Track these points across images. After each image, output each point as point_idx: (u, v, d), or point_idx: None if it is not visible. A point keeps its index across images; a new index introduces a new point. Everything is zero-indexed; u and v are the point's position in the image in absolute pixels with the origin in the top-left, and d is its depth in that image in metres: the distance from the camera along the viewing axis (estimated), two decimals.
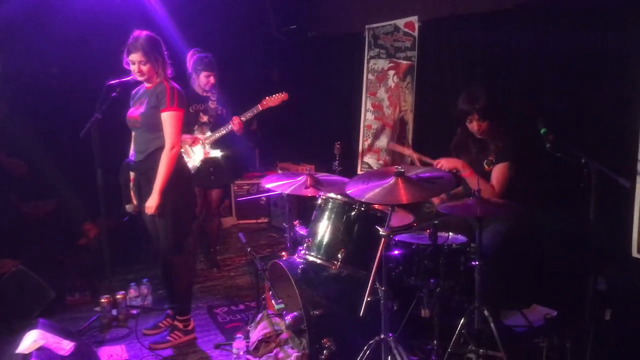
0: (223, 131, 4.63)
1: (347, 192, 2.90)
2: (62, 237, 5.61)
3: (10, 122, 5.52)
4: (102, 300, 4.02)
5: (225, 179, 4.99)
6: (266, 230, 6.44)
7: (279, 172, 6.41)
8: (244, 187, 6.61)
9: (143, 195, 3.54)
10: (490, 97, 3.45)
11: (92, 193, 4.23)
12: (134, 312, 4.21)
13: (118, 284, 4.45)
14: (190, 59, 4.72)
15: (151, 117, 3.42)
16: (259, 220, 6.63)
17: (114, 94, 4.07)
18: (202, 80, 4.63)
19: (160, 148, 3.42)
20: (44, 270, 4.40)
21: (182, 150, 4.75)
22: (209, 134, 4.67)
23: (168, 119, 3.38)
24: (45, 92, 5.71)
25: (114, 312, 4.08)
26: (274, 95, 4.67)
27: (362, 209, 3.05)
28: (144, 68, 3.45)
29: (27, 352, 2.81)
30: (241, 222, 6.65)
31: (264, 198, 6.42)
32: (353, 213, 3.05)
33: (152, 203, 3.40)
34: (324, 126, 6.62)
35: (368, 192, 2.80)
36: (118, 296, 4.11)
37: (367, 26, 5.59)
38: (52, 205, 6.28)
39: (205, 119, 4.68)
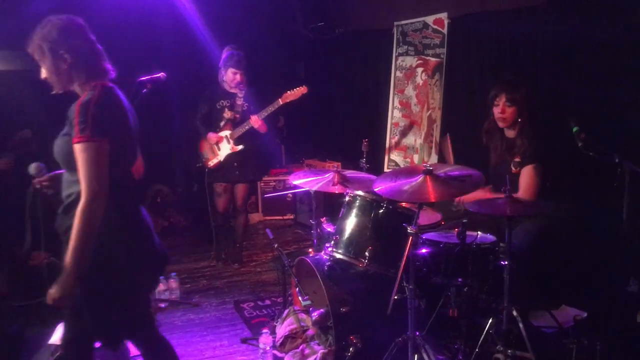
0: (246, 127, 4.71)
1: (375, 189, 2.89)
2: None
3: (37, 121, 5.65)
4: None
5: (250, 174, 5.04)
6: (292, 226, 6.47)
7: (306, 168, 6.44)
8: (270, 184, 6.66)
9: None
10: (523, 87, 3.44)
11: None
12: (162, 305, 4.27)
13: None
14: (224, 54, 4.82)
15: (63, 150, 2.18)
16: (285, 217, 6.66)
17: (144, 90, 4.13)
18: (229, 77, 4.72)
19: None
20: None
21: (207, 151, 4.82)
22: (232, 129, 4.77)
23: (80, 155, 2.07)
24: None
25: None
26: (294, 89, 4.69)
27: (390, 206, 3.05)
28: (43, 70, 2.25)
29: (59, 343, 2.87)
30: (267, 218, 6.70)
31: (290, 194, 6.44)
32: (381, 211, 3.05)
33: (56, 293, 2.11)
34: (351, 123, 6.62)
35: (396, 189, 2.79)
36: None
37: (395, 23, 5.56)
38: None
39: (230, 114, 4.77)
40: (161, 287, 4.36)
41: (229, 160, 4.78)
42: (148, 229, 2.35)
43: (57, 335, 2.94)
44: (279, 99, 4.68)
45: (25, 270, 4.58)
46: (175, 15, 6.11)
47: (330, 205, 5.37)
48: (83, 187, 2.06)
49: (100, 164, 2.08)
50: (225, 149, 4.78)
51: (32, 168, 2.50)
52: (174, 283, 4.45)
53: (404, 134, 5.54)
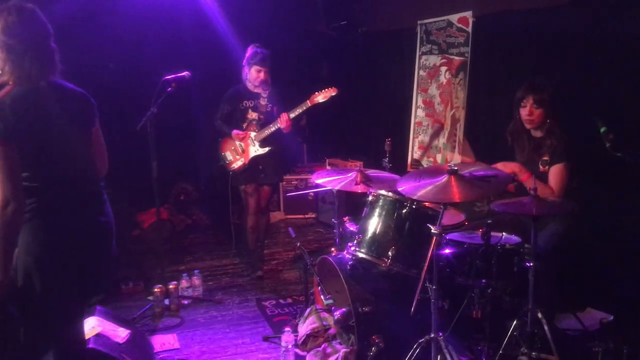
0: (272, 128, 4.57)
1: (399, 189, 2.88)
2: (117, 227, 5.79)
3: None
4: (155, 290, 4.13)
5: (274, 177, 4.93)
6: (314, 225, 6.48)
7: (328, 167, 6.43)
8: (292, 182, 6.67)
9: None
10: (551, 87, 3.40)
11: (146, 185, 4.34)
12: (186, 302, 4.31)
13: (170, 275, 4.56)
14: (248, 52, 4.70)
15: None
16: (307, 216, 6.67)
17: (169, 89, 4.18)
18: (253, 74, 4.59)
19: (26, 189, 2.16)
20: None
21: (229, 153, 4.74)
22: (257, 131, 4.66)
23: None
24: (102, 88, 5.87)
25: (167, 301, 4.18)
26: (322, 91, 4.53)
27: (414, 206, 3.03)
28: None
29: (85, 337, 2.91)
30: (289, 216, 6.72)
31: (311, 193, 6.45)
32: (404, 210, 3.04)
33: None
34: (373, 122, 6.60)
35: (420, 189, 2.77)
36: (170, 286, 4.21)
37: (419, 22, 5.52)
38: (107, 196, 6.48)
39: (254, 115, 4.66)
40: (184, 283, 4.40)
41: (254, 163, 4.67)
42: (74, 234, 2.26)
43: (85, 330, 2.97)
44: (307, 101, 4.52)
45: None
46: (199, 14, 6.15)
47: (352, 205, 5.36)
48: None
49: (6, 167, 2.04)
50: (250, 151, 4.65)
51: None
52: (196, 280, 4.48)
53: (427, 133, 5.51)
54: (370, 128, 6.64)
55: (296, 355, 3.38)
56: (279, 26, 6.54)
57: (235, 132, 4.65)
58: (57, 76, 2.32)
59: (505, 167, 3.34)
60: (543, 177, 3.34)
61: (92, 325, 3.02)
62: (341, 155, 6.62)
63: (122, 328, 3.16)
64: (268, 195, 4.92)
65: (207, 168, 6.97)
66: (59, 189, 2.24)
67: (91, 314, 3.19)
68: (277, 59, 4.95)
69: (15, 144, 2.08)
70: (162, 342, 3.69)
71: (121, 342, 3.03)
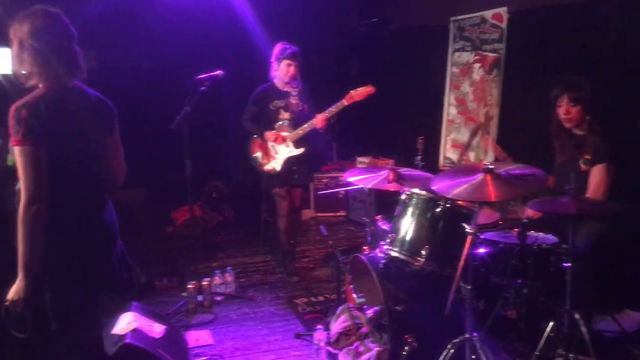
0: (307, 128, 4.46)
1: (433, 187, 2.86)
2: (150, 224, 5.90)
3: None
4: (189, 286, 4.18)
5: (307, 178, 4.88)
6: (344, 223, 6.47)
7: (358, 165, 6.42)
8: (323, 180, 6.67)
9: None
10: (588, 85, 3.34)
11: (179, 183, 4.39)
12: (218, 299, 4.35)
13: (203, 271, 4.61)
14: (276, 49, 4.57)
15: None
16: (337, 214, 6.67)
17: (203, 87, 4.22)
18: (283, 70, 4.46)
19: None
20: (134, 256, 4.61)
21: (261, 154, 4.68)
22: (290, 131, 4.55)
23: (17, 158, 2.14)
24: (137, 86, 5.98)
25: (200, 298, 4.23)
26: (359, 89, 4.37)
27: (448, 205, 3.00)
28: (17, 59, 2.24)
29: (122, 333, 2.97)
30: (319, 214, 6.72)
31: (342, 191, 6.44)
32: (438, 209, 3.01)
33: (16, 290, 2.16)
34: (404, 120, 6.55)
35: (454, 188, 2.74)
36: (204, 283, 4.26)
37: (451, 18, 5.48)
38: (140, 194, 6.59)
39: (286, 115, 4.54)
40: (217, 280, 4.45)
41: (288, 165, 4.57)
42: (79, 235, 2.30)
43: (120, 325, 3.03)
44: (343, 100, 4.36)
45: None
46: (231, 13, 6.20)
47: (383, 203, 5.32)
48: (22, 189, 2.11)
49: (35, 167, 2.10)
50: (283, 153, 4.55)
51: None
52: (229, 277, 4.53)
53: (459, 131, 5.46)
54: (400, 126, 6.60)
55: (328, 353, 3.39)
56: (309, 24, 6.54)
57: (268, 133, 4.55)
58: (81, 80, 2.36)
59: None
60: (584, 177, 3.28)
61: (128, 321, 3.08)
62: (372, 154, 6.59)
63: (157, 323, 3.21)
64: (301, 196, 4.84)
65: (238, 166, 7.03)
66: (69, 190, 2.27)
67: (127, 309, 3.25)
68: (307, 57, 4.90)
69: (44, 144, 2.14)
70: (196, 338, 3.73)
71: (157, 337, 3.08)
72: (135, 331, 3.01)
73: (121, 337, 2.95)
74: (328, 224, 6.36)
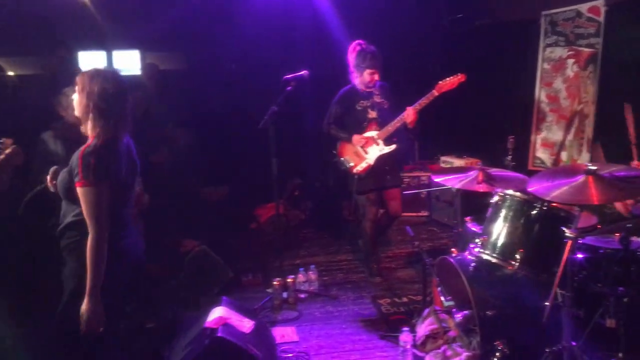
0: (397, 124, 4.36)
1: (529, 189, 2.75)
2: (235, 220, 6.05)
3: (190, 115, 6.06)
4: (274, 282, 4.25)
5: (399, 179, 4.76)
6: (426, 224, 6.36)
7: (442, 165, 6.30)
8: (405, 180, 6.56)
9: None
10: None
11: (264, 181, 4.47)
12: (302, 296, 4.40)
13: (287, 268, 4.67)
14: (352, 53, 4.49)
15: (64, 185, 2.54)
16: (419, 214, 6.56)
17: (289, 87, 4.28)
18: (366, 78, 4.40)
19: (80, 223, 2.49)
20: (220, 251, 4.75)
21: (349, 157, 4.60)
22: (378, 129, 4.46)
23: (83, 197, 2.44)
24: (224, 87, 6.15)
25: (285, 294, 4.29)
26: (448, 79, 4.27)
27: (544, 207, 2.88)
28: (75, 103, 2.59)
29: (214, 326, 3.06)
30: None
31: (424, 191, 6.33)
32: (534, 212, 2.91)
33: (86, 315, 2.44)
34: (490, 118, 6.35)
35: (553, 190, 2.62)
36: (288, 280, 4.32)
37: (543, 12, 5.26)
38: (226, 191, 6.79)
39: (374, 114, 4.47)
40: (301, 278, 4.49)
41: (380, 164, 4.44)
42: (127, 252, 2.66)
43: (213, 319, 3.12)
44: (434, 90, 4.22)
45: (178, 256, 4.96)
46: (312, 10, 6.24)
47: (470, 204, 5.19)
48: (90, 224, 2.42)
49: (101, 204, 2.44)
50: (374, 151, 4.45)
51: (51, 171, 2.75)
52: (313, 275, 4.57)
53: (550, 129, 5.23)
54: (486, 124, 6.40)
55: (414, 355, 3.35)
56: (392, 21, 6.47)
57: (356, 137, 4.45)
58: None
59: None
60: None
61: (219, 315, 3.16)
62: (455, 153, 6.45)
63: (247, 319, 3.28)
64: (400, 199, 4.66)
65: (319, 164, 7.08)
66: (123, 223, 2.65)
67: (218, 303, 3.35)
68: (389, 54, 4.79)
69: (106, 183, 2.46)
70: (282, 334, 3.79)
71: (247, 332, 3.14)
72: (226, 325, 3.08)
73: (213, 330, 3.04)
74: (409, 224, 6.28)
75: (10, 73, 6.08)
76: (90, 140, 2.52)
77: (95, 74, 2.52)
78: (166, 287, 4.54)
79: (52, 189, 2.74)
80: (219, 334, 2.97)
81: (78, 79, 2.54)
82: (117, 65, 7.16)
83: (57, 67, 5.50)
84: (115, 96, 2.52)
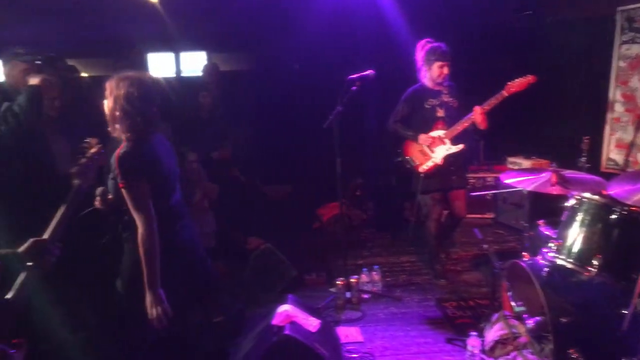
0: (465, 123, 4.30)
1: (610, 192, 2.64)
2: (298, 219, 6.10)
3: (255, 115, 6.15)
4: (338, 282, 4.26)
5: (465, 180, 4.70)
6: (491, 226, 6.21)
7: (509, 166, 6.14)
8: (470, 181, 6.43)
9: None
10: None
11: (326, 180, 4.47)
12: (366, 296, 4.38)
13: (349, 268, 4.66)
14: (420, 50, 4.45)
15: (113, 189, 2.71)
16: (484, 216, 6.41)
17: (354, 87, 4.26)
18: (435, 72, 4.34)
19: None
20: (283, 250, 4.80)
21: (415, 156, 4.57)
22: (445, 129, 4.40)
23: (127, 196, 2.60)
24: (289, 87, 6.21)
25: (348, 294, 4.29)
26: (518, 80, 4.17)
27: (625, 212, 2.75)
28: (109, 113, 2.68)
29: (282, 324, 3.08)
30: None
31: (490, 193, 6.17)
32: (614, 216, 2.78)
33: (150, 306, 2.61)
34: (560, 118, 6.13)
35: (635, 194, 2.52)
36: (352, 280, 4.31)
37: (619, 8, 5.03)
38: (289, 190, 6.86)
39: (442, 113, 4.41)
40: (364, 278, 4.48)
41: (446, 164, 4.40)
42: (184, 247, 2.80)
43: (278, 317, 3.15)
44: (503, 91, 4.18)
45: (242, 253, 5.05)
46: (375, 9, 6.20)
47: (538, 206, 5.04)
48: (137, 220, 2.57)
49: (143, 200, 2.58)
50: (440, 150, 4.40)
51: (97, 191, 2.80)
52: (376, 275, 4.54)
53: (626, 130, 5.00)
54: (556, 124, 6.19)
55: None
56: (457, 18, 6.35)
57: (422, 136, 4.40)
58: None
59: None
60: None
61: (286, 313, 3.19)
62: (523, 154, 6.26)
63: (312, 317, 3.29)
64: (465, 201, 4.60)
65: (381, 164, 7.04)
66: (168, 211, 2.76)
67: (284, 301, 3.38)
68: (455, 52, 4.72)
69: (145, 180, 2.58)
70: (346, 334, 3.79)
71: (313, 331, 3.16)
72: (293, 323, 3.11)
73: (280, 328, 3.07)
74: (473, 226, 6.15)
75: (84, 74, 6.36)
76: (123, 143, 2.64)
77: (121, 79, 2.63)
78: (232, 284, 4.63)
79: (101, 207, 2.83)
80: (287, 332, 3.00)
81: (107, 84, 2.65)
82: (184, 66, 7.38)
83: (128, 68, 5.70)
84: (140, 99, 2.62)
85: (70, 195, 2.26)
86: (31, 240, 1.79)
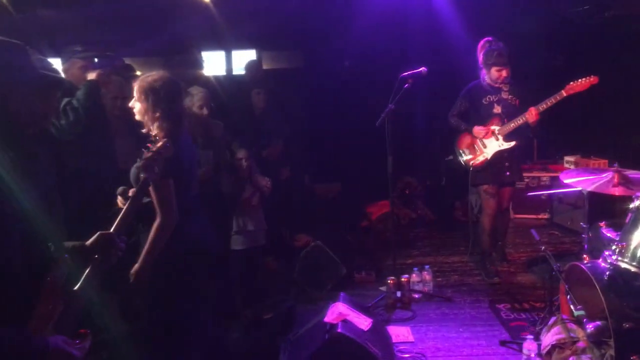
0: (519, 122, 4.30)
1: None
2: (346, 217, 6.10)
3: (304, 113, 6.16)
4: (388, 281, 4.23)
5: (519, 176, 4.69)
6: (546, 227, 6.04)
7: (565, 165, 5.97)
8: (524, 180, 6.28)
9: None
10: None
11: (375, 179, 4.44)
12: (416, 296, 4.34)
13: (399, 267, 4.62)
14: (480, 51, 4.48)
15: (135, 179, 2.76)
16: (539, 216, 6.25)
17: (406, 85, 4.22)
18: (494, 75, 4.38)
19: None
20: (332, 247, 4.80)
21: (467, 149, 4.56)
22: (501, 125, 4.41)
23: (153, 192, 2.63)
24: (339, 84, 6.20)
25: (398, 294, 4.25)
26: (579, 80, 4.11)
27: None
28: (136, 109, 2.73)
29: (334, 322, 3.09)
30: (518, 216, 6.32)
31: (546, 193, 6.00)
32: None
33: (136, 271, 2.68)
34: (619, 116, 5.92)
35: None
36: (402, 279, 4.27)
37: None
38: (338, 188, 6.86)
39: (498, 109, 4.42)
40: (415, 277, 4.43)
41: (499, 159, 4.43)
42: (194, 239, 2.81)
43: (331, 315, 3.15)
44: (562, 91, 4.14)
45: (291, 250, 5.08)
46: (427, 8, 6.13)
47: (597, 207, 4.85)
48: (159, 212, 2.63)
49: (167, 196, 2.64)
50: (492, 146, 4.43)
51: (118, 190, 2.80)
52: (427, 275, 4.49)
53: None
54: (618, 122, 5.97)
55: None
56: (514, 13, 6.21)
57: (477, 128, 4.44)
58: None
59: None
60: None
61: (339, 311, 3.19)
62: (579, 153, 6.08)
63: (364, 316, 3.28)
64: (510, 196, 4.65)
65: (433, 163, 6.96)
66: (191, 208, 2.84)
67: (336, 299, 3.38)
68: (514, 48, 4.63)
69: (172, 178, 2.64)
70: (397, 333, 3.75)
71: (365, 329, 3.15)
72: (345, 322, 3.11)
73: (333, 326, 3.07)
74: (528, 227, 6.01)
75: (139, 73, 6.53)
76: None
77: (145, 79, 2.69)
78: (282, 280, 4.67)
79: (122, 206, 2.81)
80: (339, 330, 3.00)
81: (134, 85, 2.71)
82: (235, 64, 7.46)
83: (182, 66, 5.81)
84: (165, 99, 2.68)
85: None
86: (98, 233, 1.83)
